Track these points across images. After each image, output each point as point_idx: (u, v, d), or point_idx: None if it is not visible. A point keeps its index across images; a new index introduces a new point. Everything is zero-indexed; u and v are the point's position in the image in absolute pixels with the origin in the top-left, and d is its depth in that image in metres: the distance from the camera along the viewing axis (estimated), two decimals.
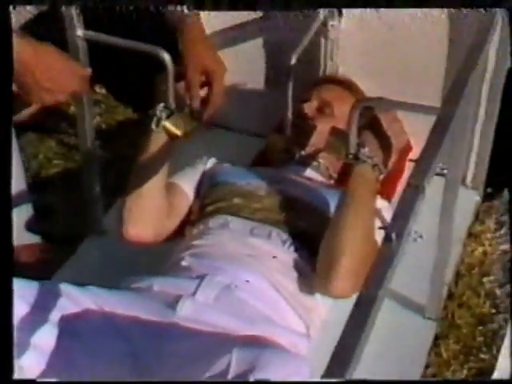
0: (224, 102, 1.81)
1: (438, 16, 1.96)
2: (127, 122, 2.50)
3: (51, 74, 1.57)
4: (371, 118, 1.73)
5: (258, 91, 2.24)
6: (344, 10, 2.04)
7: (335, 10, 2.04)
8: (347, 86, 1.98)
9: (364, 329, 1.00)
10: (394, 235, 1.11)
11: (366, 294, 1.05)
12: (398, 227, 1.13)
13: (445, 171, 1.62)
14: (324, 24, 2.04)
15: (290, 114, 1.94)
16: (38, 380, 1.38)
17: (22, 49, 1.50)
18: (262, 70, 2.23)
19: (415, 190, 1.20)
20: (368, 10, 1.98)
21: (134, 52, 1.76)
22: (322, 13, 2.02)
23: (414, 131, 1.97)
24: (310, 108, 1.92)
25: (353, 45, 2.09)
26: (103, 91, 2.56)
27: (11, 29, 1.35)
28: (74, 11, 1.76)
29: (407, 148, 2.02)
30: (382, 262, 1.10)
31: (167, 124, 1.71)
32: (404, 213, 1.17)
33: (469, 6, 1.48)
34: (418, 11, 1.91)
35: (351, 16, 2.05)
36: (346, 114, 1.68)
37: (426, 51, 2.00)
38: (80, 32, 1.77)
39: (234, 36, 2.16)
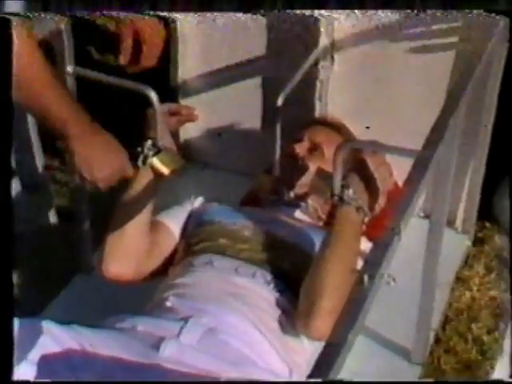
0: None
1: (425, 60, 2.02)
2: None
3: (103, 165, 1.66)
4: (358, 161, 1.74)
5: (251, 131, 2.27)
6: (336, 54, 2.05)
7: (328, 53, 2.09)
8: (337, 128, 2.01)
9: (331, 371, 1.01)
10: (366, 277, 1.12)
11: (335, 336, 1.06)
12: (370, 269, 1.15)
13: None
14: (315, 64, 2.06)
15: (277, 155, 1.95)
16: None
17: (78, 143, 1.61)
18: (258, 111, 2.25)
19: (390, 232, 1.22)
20: (359, 49, 2.05)
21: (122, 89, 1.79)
22: (314, 54, 2.03)
23: (403, 174, 1.99)
24: (301, 148, 1.94)
25: (343, 86, 2.13)
26: None
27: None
28: (66, 47, 1.80)
29: (394, 191, 2.04)
30: (353, 304, 1.11)
31: (154, 162, 1.73)
32: (377, 255, 1.18)
33: None
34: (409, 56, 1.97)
35: (342, 58, 2.10)
36: None
37: (414, 94, 2.05)
38: (70, 68, 1.81)
39: (230, 75, 2.21)
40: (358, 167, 1.72)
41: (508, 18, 1.90)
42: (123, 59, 1.90)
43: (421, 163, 1.39)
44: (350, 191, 1.65)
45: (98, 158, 1.65)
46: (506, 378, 1.60)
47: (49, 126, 1.64)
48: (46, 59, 1.60)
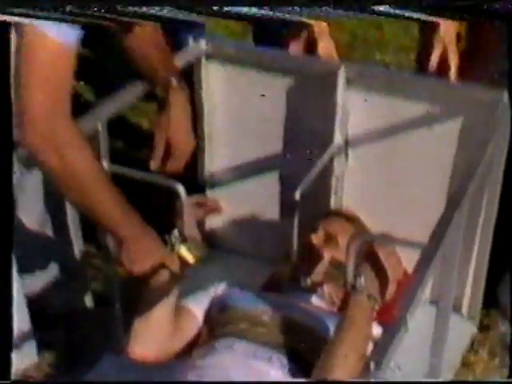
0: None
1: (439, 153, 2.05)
2: None
3: (147, 263, 1.76)
4: (370, 251, 1.79)
5: (271, 220, 2.31)
6: (350, 151, 2.11)
7: (343, 150, 2.13)
8: (351, 219, 2.08)
9: None
10: (372, 364, 1.15)
11: None
12: (377, 356, 1.17)
13: None
14: (331, 160, 2.11)
15: (295, 244, 2.00)
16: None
17: (127, 244, 1.72)
18: (277, 201, 2.29)
19: (397, 322, 1.25)
20: (371, 146, 2.10)
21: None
22: (330, 151, 2.09)
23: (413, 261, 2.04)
24: (317, 238, 2.00)
25: (357, 180, 2.18)
26: None
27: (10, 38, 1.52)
28: (102, 145, 1.88)
29: (404, 279, 2.07)
30: None
31: (180, 250, 1.79)
32: (385, 343, 1.21)
33: None
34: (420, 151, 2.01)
35: (356, 154, 2.14)
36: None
37: (426, 190, 2.08)
38: (105, 164, 1.87)
39: (252, 170, 2.28)
40: (370, 257, 1.76)
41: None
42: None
43: (427, 256, 1.44)
44: (362, 280, 1.69)
45: (144, 257, 1.75)
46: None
47: (99, 223, 1.74)
48: (95, 156, 1.68)
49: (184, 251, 1.80)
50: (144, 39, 1.93)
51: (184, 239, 1.81)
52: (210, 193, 2.32)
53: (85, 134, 1.77)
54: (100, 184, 1.68)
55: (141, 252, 1.75)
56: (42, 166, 1.64)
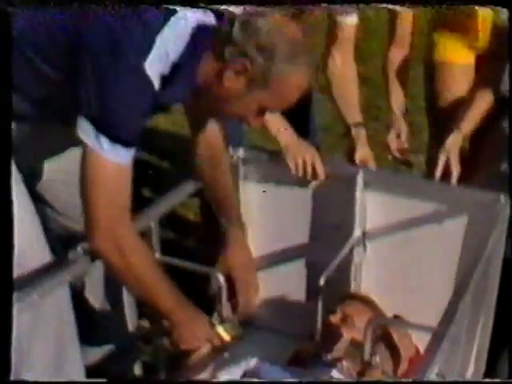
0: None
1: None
2: None
3: (197, 341, 1.95)
4: (384, 332, 1.94)
5: (298, 301, 2.46)
6: (368, 242, 2.28)
7: (361, 242, 2.29)
8: (366, 302, 2.23)
9: None
10: None
11: None
12: None
13: None
14: (350, 251, 2.27)
15: (319, 324, 2.15)
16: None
17: (180, 327, 1.90)
18: (303, 284, 2.44)
19: None
20: (387, 238, 2.26)
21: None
22: (350, 243, 2.26)
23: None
24: (335, 319, 2.15)
25: (374, 268, 2.33)
26: None
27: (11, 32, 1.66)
28: (154, 239, 2.05)
29: (415, 357, 2.21)
30: None
31: (219, 330, 1.96)
32: None
33: None
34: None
35: (373, 246, 2.30)
36: (364, 324, 1.90)
37: (435, 278, 2.22)
38: (157, 255, 2.05)
39: (282, 257, 2.42)
40: (385, 338, 1.91)
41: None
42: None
43: (437, 338, 1.61)
44: (377, 358, 1.83)
45: (193, 336, 1.93)
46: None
47: (153, 309, 1.91)
48: (148, 251, 1.85)
49: (222, 331, 1.98)
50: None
51: (222, 320, 1.99)
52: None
53: (140, 229, 1.96)
54: (154, 277, 1.86)
55: (189, 333, 1.93)
56: (107, 263, 1.84)
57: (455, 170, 2.29)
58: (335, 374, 2.06)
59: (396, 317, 2.16)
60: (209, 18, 1.81)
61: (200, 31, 1.77)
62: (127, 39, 1.69)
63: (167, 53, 1.72)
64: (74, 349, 2.01)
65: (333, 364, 2.09)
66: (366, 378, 1.84)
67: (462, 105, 2.63)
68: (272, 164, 2.31)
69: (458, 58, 2.72)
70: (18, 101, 1.80)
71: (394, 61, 2.68)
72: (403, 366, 2.12)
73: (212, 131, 2.16)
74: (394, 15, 2.63)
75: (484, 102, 2.42)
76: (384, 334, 1.97)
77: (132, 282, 1.85)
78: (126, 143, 1.71)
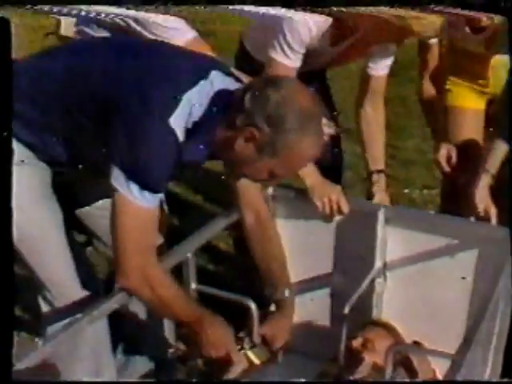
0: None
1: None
2: None
3: (220, 350, 1.97)
4: (404, 357, 1.99)
5: (323, 325, 2.51)
6: (388, 273, 2.34)
7: (382, 272, 2.35)
8: (387, 328, 2.30)
9: None
10: None
11: None
12: None
13: None
14: (372, 281, 2.34)
15: (343, 349, 2.21)
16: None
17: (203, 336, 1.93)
18: (327, 311, 2.50)
19: None
20: (406, 269, 2.31)
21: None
22: (372, 274, 2.32)
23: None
24: (356, 343, 2.21)
25: (394, 296, 2.39)
26: None
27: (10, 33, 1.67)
28: (190, 268, 2.11)
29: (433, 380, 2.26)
30: None
31: (249, 354, 2.02)
32: None
33: None
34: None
35: (393, 276, 2.36)
36: (384, 348, 1.97)
37: (450, 306, 2.27)
38: (194, 285, 2.11)
39: (308, 286, 2.46)
40: (405, 362, 1.96)
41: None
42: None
43: (455, 366, 1.66)
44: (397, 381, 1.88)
45: (219, 342, 1.96)
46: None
47: (180, 322, 2.00)
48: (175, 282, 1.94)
49: (252, 355, 2.04)
50: None
51: (253, 345, 2.05)
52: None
53: (178, 260, 2.03)
54: (180, 300, 1.93)
55: (214, 338, 1.96)
56: (139, 298, 1.93)
57: (493, 209, 2.36)
58: None
59: (415, 342, 2.21)
60: (231, 84, 1.88)
61: (221, 96, 1.84)
62: (156, 95, 1.78)
63: (191, 112, 1.80)
64: (109, 369, 2.08)
65: None
66: None
67: (473, 147, 2.73)
68: (299, 201, 2.38)
69: (469, 103, 2.80)
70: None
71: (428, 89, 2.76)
72: None
73: (257, 202, 2.21)
74: (424, 46, 2.71)
75: (504, 144, 2.48)
76: (404, 358, 2.02)
77: (162, 309, 1.93)
78: (153, 190, 1.80)
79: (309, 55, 2.41)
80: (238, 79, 1.93)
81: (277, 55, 2.37)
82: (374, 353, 2.17)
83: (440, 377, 2.20)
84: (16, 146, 1.84)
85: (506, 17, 2.17)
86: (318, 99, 1.86)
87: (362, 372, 2.16)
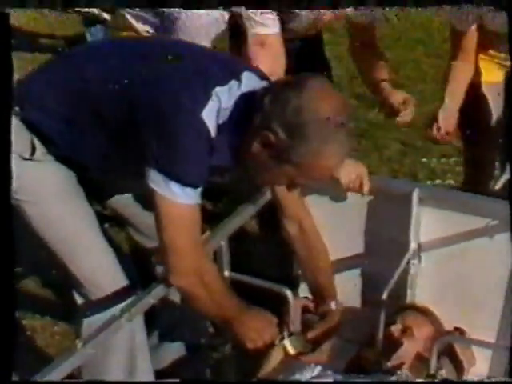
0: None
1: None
2: None
3: (259, 340, 1.93)
4: (448, 346, 1.93)
5: (353, 308, 2.41)
6: (423, 254, 2.26)
7: (417, 254, 2.27)
8: (425, 313, 2.22)
9: None
10: None
11: None
12: None
13: None
14: (407, 262, 2.26)
15: (380, 335, 2.15)
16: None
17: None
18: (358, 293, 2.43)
19: None
20: (440, 250, 2.25)
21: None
22: (407, 256, 2.24)
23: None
24: (396, 329, 2.14)
25: (428, 278, 2.31)
26: None
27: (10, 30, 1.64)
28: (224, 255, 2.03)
29: None
30: None
31: (286, 343, 1.96)
32: None
33: None
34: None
35: (428, 257, 2.29)
36: (424, 335, 1.94)
37: (486, 289, 2.20)
38: (227, 273, 2.04)
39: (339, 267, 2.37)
40: (449, 352, 1.90)
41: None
42: None
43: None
44: (443, 372, 1.82)
45: (261, 335, 1.93)
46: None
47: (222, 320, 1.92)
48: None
49: (288, 344, 1.98)
50: None
51: (290, 334, 1.98)
52: (302, 287, 2.45)
53: (212, 249, 1.96)
54: (227, 294, 1.88)
55: (255, 332, 1.92)
56: (193, 297, 1.86)
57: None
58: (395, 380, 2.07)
59: (457, 329, 2.15)
60: (258, 84, 1.79)
61: (248, 97, 1.75)
62: (187, 91, 1.71)
63: (220, 109, 1.73)
64: (144, 359, 2.03)
65: (393, 372, 2.09)
66: None
67: (494, 121, 2.72)
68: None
69: (490, 77, 2.75)
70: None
71: (457, 69, 2.69)
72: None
73: (299, 211, 2.12)
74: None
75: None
76: (448, 347, 1.96)
77: (211, 308, 1.87)
78: (194, 185, 1.73)
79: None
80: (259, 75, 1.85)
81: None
82: (414, 339, 2.11)
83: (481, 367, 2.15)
84: (38, 142, 1.81)
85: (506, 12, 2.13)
86: (346, 103, 1.76)
87: (400, 357, 2.09)
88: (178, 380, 1.94)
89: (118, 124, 1.79)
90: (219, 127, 1.73)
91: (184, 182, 1.70)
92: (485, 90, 2.76)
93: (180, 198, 1.71)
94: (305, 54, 2.60)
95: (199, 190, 1.75)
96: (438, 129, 2.71)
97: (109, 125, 1.80)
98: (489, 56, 2.72)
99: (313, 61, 2.68)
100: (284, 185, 1.85)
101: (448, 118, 2.69)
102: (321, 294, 2.17)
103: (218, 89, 1.72)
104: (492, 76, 2.75)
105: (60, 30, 5.26)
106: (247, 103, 1.74)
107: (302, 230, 2.13)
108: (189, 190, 1.71)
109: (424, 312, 2.22)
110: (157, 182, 1.71)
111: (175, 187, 1.70)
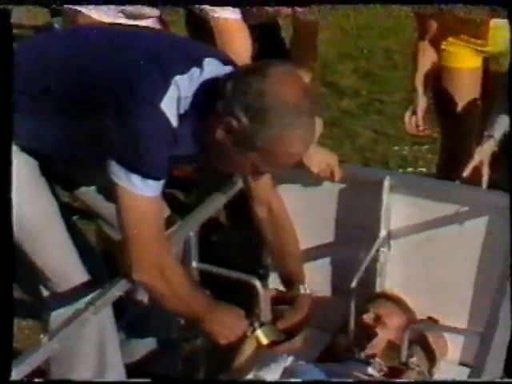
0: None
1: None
2: None
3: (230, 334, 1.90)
4: (420, 335, 1.92)
5: (324, 297, 2.41)
6: (392, 242, 2.26)
7: (386, 241, 2.27)
8: (396, 301, 2.21)
9: None
10: None
11: None
12: None
13: None
14: (376, 250, 2.25)
15: (351, 322, 2.14)
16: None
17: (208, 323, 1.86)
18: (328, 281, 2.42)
19: None
20: (410, 238, 2.23)
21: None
22: (377, 243, 2.24)
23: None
24: (369, 318, 2.13)
25: (398, 266, 2.31)
26: None
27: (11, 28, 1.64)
28: (192, 246, 2.01)
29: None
30: None
31: (258, 333, 1.94)
32: None
33: None
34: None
35: (397, 245, 2.28)
36: (396, 324, 1.93)
37: (456, 276, 2.20)
38: (195, 264, 2.02)
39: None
40: (420, 340, 1.89)
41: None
42: None
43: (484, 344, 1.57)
44: (414, 359, 1.81)
45: (232, 331, 1.91)
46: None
47: (190, 318, 1.91)
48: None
49: (261, 335, 1.96)
50: None
51: (261, 324, 1.96)
52: (272, 277, 2.42)
53: (180, 240, 1.93)
54: (191, 290, 1.84)
55: (227, 329, 1.90)
56: (154, 292, 1.83)
57: (486, 175, 2.30)
58: (368, 370, 2.06)
59: (430, 318, 2.14)
60: (221, 69, 1.75)
61: (209, 84, 1.71)
62: (145, 81, 1.66)
63: (180, 98, 1.68)
64: (114, 352, 2.00)
65: (365, 360, 2.09)
66: (403, 379, 1.83)
67: (470, 106, 2.69)
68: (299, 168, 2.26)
69: (466, 63, 2.74)
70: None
71: (424, 49, 2.67)
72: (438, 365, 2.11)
73: (268, 194, 2.09)
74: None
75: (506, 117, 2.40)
76: (419, 335, 1.95)
77: (175, 303, 1.83)
78: (156, 177, 1.70)
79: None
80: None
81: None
82: (386, 328, 2.10)
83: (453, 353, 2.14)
84: None
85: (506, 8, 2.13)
86: (310, 89, 1.72)
87: (374, 347, 2.08)
88: (149, 380, 1.89)
89: (77, 112, 1.75)
90: (180, 116, 1.69)
91: (145, 174, 1.66)
92: (463, 75, 2.74)
93: (142, 191, 1.68)
94: (263, 41, 2.56)
95: (161, 182, 1.71)
96: (417, 125, 2.71)
97: (69, 112, 1.76)
98: (463, 41, 2.69)
99: (271, 47, 2.65)
100: (249, 173, 1.82)
101: (423, 108, 2.69)
102: (289, 279, 2.14)
103: (177, 77, 1.68)
104: (469, 62, 2.73)
105: (28, 20, 5.19)
106: (209, 90, 1.70)
107: (271, 212, 2.10)
108: (150, 181, 1.68)
109: (395, 300, 2.22)
110: (118, 174, 1.67)
111: (136, 180, 1.66)
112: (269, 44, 2.52)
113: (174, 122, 1.68)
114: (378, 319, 2.13)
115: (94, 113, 1.69)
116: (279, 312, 2.07)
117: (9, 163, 1.58)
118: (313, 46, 2.61)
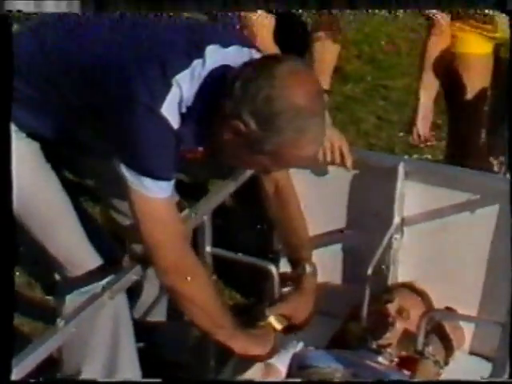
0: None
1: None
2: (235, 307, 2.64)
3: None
4: (438, 325, 1.90)
5: (336, 283, 2.39)
6: (405, 229, 2.22)
7: (400, 228, 2.24)
8: (421, 295, 2.16)
9: None
10: None
11: None
12: None
13: None
14: (390, 237, 2.22)
15: (365, 309, 2.11)
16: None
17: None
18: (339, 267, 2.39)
19: None
20: (423, 225, 2.21)
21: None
22: (390, 230, 2.21)
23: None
24: (393, 309, 2.09)
25: (411, 253, 2.28)
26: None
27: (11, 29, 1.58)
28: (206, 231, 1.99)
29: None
30: None
31: (271, 320, 1.91)
32: None
33: None
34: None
35: (410, 232, 2.25)
36: (417, 318, 1.90)
37: (467, 263, 2.18)
38: (208, 249, 1.98)
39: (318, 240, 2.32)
40: (438, 330, 1.87)
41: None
42: None
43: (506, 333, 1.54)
44: (430, 348, 1.79)
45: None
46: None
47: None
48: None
49: (274, 321, 1.93)
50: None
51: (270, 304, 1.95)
52: (283, 261, 2.40)
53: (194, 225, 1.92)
54: (217, 300, 1.80)
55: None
56: (177, 294, 1.77)
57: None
58: (379, 359, 2.05)
59: (448, 308, 2.11)
60: (234, 57, 1.67)
61: (213, 77, 1.63)
62: (144, 86, 1.59)
63: (182, 96, 1.62)
64: (128, 337, 1.97)
65: (378, 350, 2.07)
66: (418, 368, 1.81)
67: (480, 93, 2.66)
68: None
69: (476, 49, 2.71)
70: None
71: (431, 49, 2.63)
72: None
73: (281, 173, 2.01)
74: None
75: None
76: (437, 326, 1.93)
77: (201, 315, 1.78)
78: (166, 178, 1.66)
79: None
80: (249, 46, 1.73)
81: None
82: (408, 321, 2.05)
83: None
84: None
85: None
86: (322, 89, 1.66)
87: (389, 338, 2.05)
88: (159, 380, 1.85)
89: (79, 104, 1.70)
90: (183, 115, 1.63)
91: (155, 176, 1.63)
92: (473, 61, 2.71)
93: (155, 193, 1.64)
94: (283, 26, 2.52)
95: (172, 182, 1.67)
96: (419, 136, 2.68)
97: (71, 104, 1.71)
98: (473, 27, 2.67)
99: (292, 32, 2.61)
100: (258, 172, 1.76)
101: (425, 118, 2.66)
102: (296, 257, 2.08)
103: (178, 76, 1.61)
104: (479, 48, 2.71)
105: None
106: (214, 87, 1.63)
107: (279, 189, 2.03)
108: (161, 183, 1.64)
109: (420, 294, 2.17)
110: (129, 177, 1.63)
111: (148, 183, 1.63)
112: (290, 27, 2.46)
113: (176, 124, 1.62)
114: (401, 311, 2.09)
115: (96, 114, 1.66)
116: (283, 295, 2.04)
117: (8, 148, 1.52)
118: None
